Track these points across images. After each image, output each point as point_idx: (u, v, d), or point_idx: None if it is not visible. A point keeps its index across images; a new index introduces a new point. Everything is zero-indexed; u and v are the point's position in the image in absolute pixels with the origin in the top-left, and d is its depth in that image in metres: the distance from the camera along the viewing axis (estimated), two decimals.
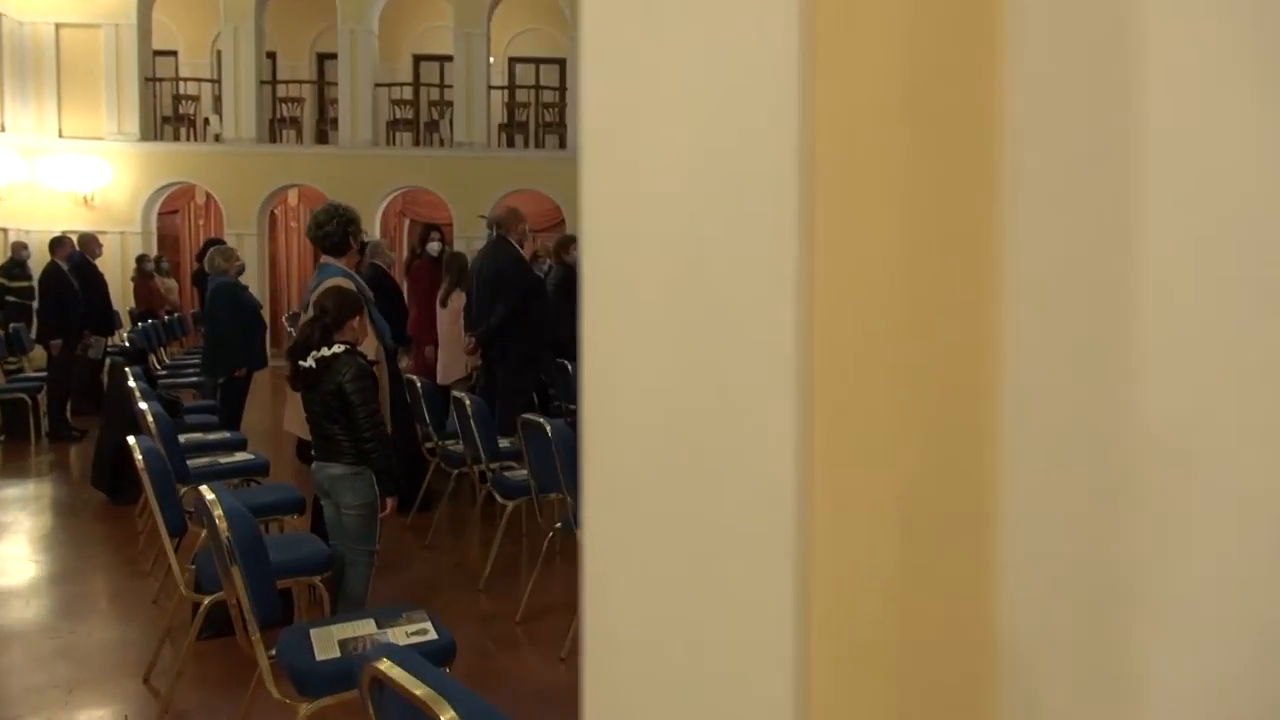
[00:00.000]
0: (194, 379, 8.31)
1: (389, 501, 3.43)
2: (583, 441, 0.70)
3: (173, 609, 3.87)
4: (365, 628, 2.64)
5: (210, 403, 6.86)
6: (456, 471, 5.17)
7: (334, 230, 4.12)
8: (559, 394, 6.90)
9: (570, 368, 6.20)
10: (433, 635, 2.59)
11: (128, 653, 3.73)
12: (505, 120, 14.68)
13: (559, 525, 4.00)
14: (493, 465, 4.62)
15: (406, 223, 15.56)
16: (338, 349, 3.34)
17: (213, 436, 5.50)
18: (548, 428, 3.65)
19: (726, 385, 0.59)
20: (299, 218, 15.59)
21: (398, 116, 14.28)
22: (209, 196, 14.50)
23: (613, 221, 0.68)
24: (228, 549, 2.28)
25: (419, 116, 14.49)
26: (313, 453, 3.50)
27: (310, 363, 3.31)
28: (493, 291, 5.94)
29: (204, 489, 2.46)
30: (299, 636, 2.57)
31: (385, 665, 1.40)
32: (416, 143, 14.30)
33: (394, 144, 14.13)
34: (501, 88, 14.77)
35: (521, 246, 6.24)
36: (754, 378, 0.58)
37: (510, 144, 14.57)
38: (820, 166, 0.56)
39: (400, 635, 2.59)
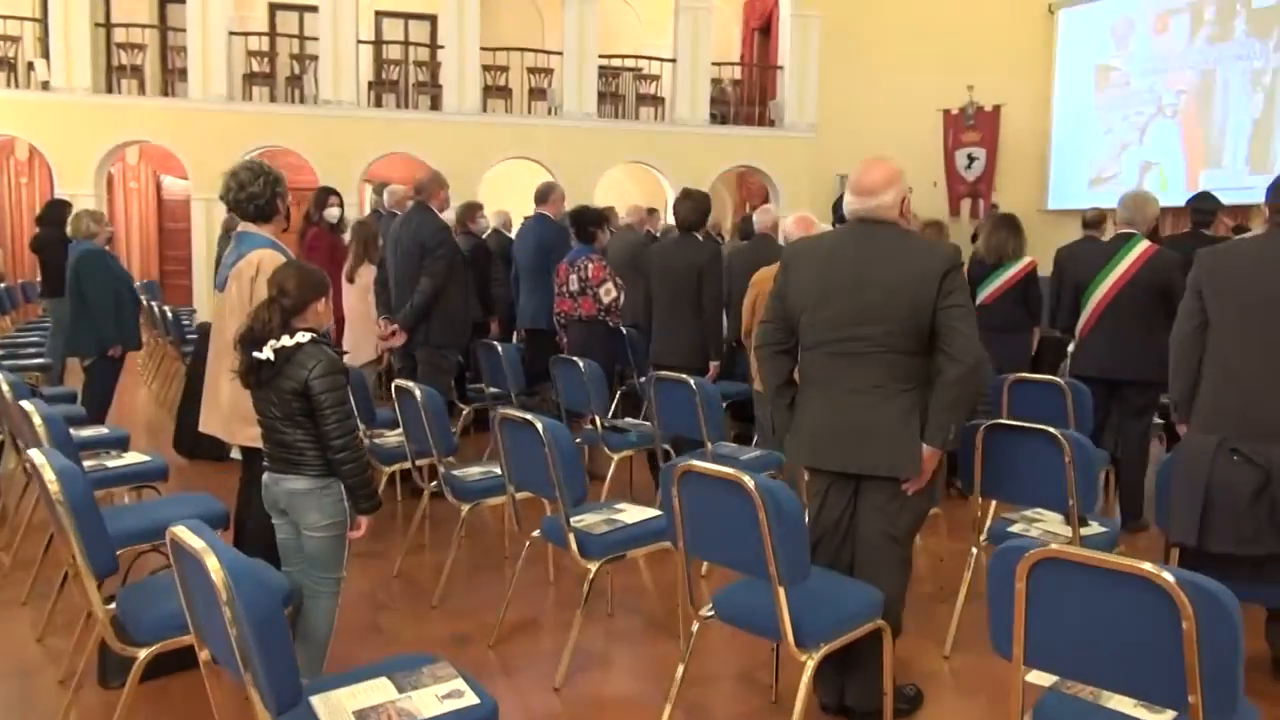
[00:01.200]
0: (37, 361, 7.25)
1: (363, 521, 2.88)
2: None
3: (73, 652, 3.19)
4: (381, 691, 2.13)
5: (68, 389, 5.94)
6: (391, 469, 4.57)
7: (260, 192, 3.47)
8: (479, 377, 6.35)
9: (501, 348, 5.65)
10: (471, 699, 2.10)
11: (25, 714, 3.03)
12: (374, 78, 13.70)
13: (537, 533, 3.53)
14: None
15: None
16: (301, 338, 2.75)
17: (87, 433, 4.68)
18: (538, 426, 3.17)
19: None
20: (141, 178, 14.14)
21: (254, 69, 13.08)
22: (33, 152, 12.91)
23: None
24: (231, 617, 1.73)
25: (276, 70, 13.34)
26: (265, 463, 2.90)
27: (268, 354, 2.71)
28: (413, 264, 5.33)
29: (183, 532, 1.87)
30: (299, 707, 2.03)
31: None
32: (275, 98, 13.16)
33: (250, 99, 12.94)
34: (369, 42, 13.75)
35: (442, 214, 5.64)
36: None
37: (378, 103, 13.62)
38: None
39: (429, 700, 2.10)
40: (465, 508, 3.94)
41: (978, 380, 2.81)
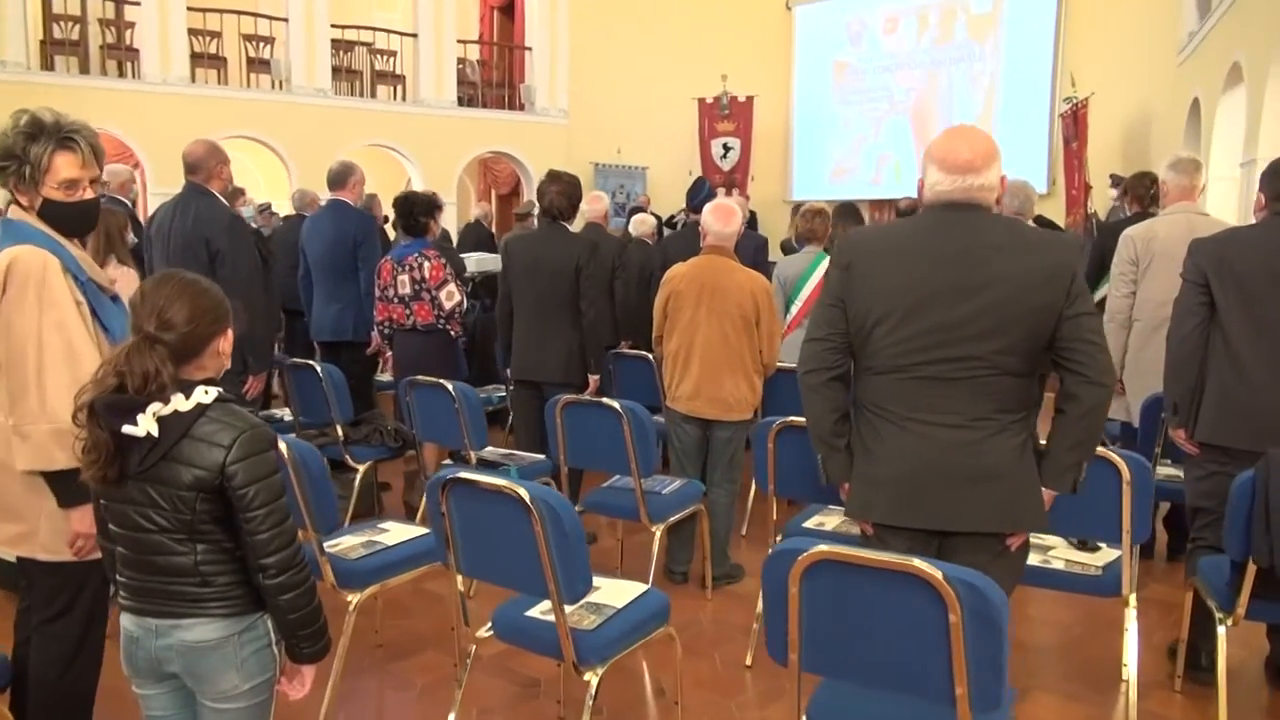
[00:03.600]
0: None
1: (307, 672, 1.84)
2: None
3: None
4: None
5: None
6: None
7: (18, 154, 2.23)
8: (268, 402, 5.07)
9: (320, 369, 4.45)
10: None
11: None
12: (45, 36, 11.29)
13: (487, 631, 2.60)
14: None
15: None
16: (203, 397, 1.68)
17: None
18: (524, 496, 2.24)
19: None
20: None
21: None
22: None
23: None
24: None
25: None
26: (121, 598, 1.77)
27: (148, 427, 1.62)
28: (193, 265, 4.05)
29: None
30: None
31: None
32: None
33: None
34: None
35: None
36: None
37: (50, 66, 11.24)
38: None
39: None
40: (353, 599, 2.89)
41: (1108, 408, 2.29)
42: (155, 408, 1.63)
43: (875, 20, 13.68)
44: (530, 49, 13.42)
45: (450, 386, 3.86)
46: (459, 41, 13.02)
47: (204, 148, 4.21)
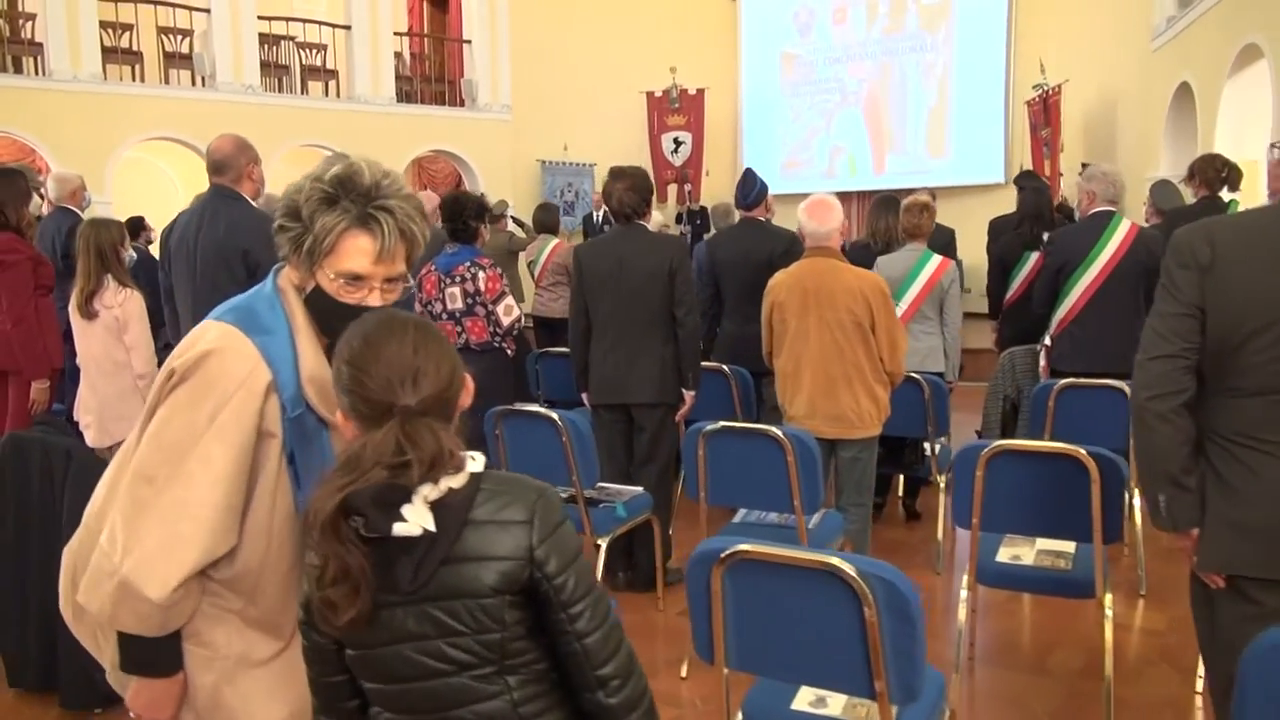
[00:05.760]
0: None
1: None
2: None
3: None
4: None
5: None
6: None
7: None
8: None
9: None
10: None
11: None
12: None
13: None
14: None
15: None
16: (473, 465, 1.19)
17: None
18: (849, 570, 1.74)
19: None
20: None
21: None
22: None
23: None
24: None
25: None
26: None
27: (419, 521, 1.11)
28: (215, 278, 3.39)
29: None
30: None
31: None
32: None
33: None
34: None
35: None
36: None
37: None
38: None
39: None
40: None
41: None
42: (425, 490, 1.10)
43: (824, 10, 13.45)
44: (469, 42, 12.72)
45: (556, 416, 3.31)
46: (395, 34, 12.23)
47: (232, 144, 3.52)
